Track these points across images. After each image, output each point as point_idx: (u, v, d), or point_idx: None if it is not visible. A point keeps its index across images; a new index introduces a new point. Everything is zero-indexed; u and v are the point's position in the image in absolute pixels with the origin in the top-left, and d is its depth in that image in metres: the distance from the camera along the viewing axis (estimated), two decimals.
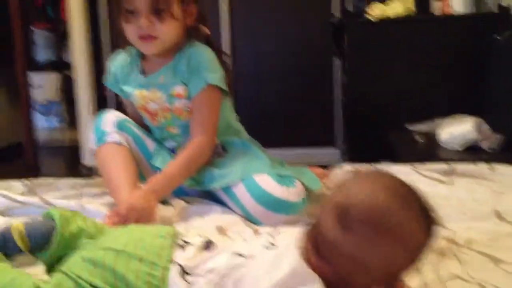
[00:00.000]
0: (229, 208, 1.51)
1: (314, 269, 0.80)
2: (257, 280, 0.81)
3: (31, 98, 4.21)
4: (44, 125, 4.91)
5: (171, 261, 0.88)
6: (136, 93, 1.59)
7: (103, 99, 3.66)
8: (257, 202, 1.42)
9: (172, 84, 1.54)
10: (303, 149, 3.51)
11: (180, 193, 1.56)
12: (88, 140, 1.64)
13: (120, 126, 1.58)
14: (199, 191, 1.59)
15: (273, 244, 0.88)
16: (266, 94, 3.61)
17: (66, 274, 0.89)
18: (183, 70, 1.53)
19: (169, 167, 1.49)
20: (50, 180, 1.77)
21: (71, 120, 4.79)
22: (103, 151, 1.55)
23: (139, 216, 1.30)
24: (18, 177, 1.75)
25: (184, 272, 0.87)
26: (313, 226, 0.84)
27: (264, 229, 1.31)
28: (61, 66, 4.77)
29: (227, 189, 1.50)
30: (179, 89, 1.54)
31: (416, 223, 0.79)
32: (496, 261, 1.09)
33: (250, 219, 1.44)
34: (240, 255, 0.87)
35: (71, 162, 3.71)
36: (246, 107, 3.48)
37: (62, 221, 0.99)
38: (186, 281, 0.86)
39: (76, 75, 3.63)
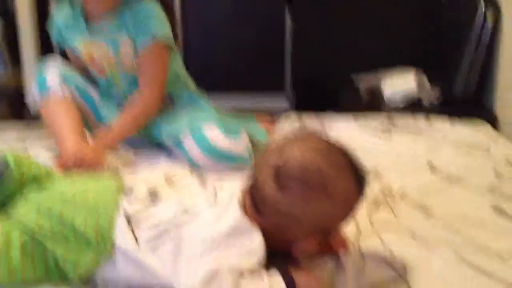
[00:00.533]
0: (177, 157, 1.53)
1: (253, 223, 0.85)
2: (199, 237, 0.84)
3: None
4: None
5: (117, 210, 0.91)
6: (82, 45, 1.56)
7: (48, 44, 3.52)
8: (204, 154, 1.45)
9: (118, 37, 1.52)
10: (253, 95, 3.53)
11: (129, 143, 1.57)
12: (31, 90, 1.59)
13: (64, 78, 1.55)
14: (148, 142, 1.61)
15: (215, 201, 0.91)
16: (217, 40, 3.57)
17: (16, 222, 0.90)
18: (129, 23, 1.50)
19: (116, 122, 1.51)
20: None
21: (14, 65, 4.62)
22: (47, 104, 1.54)
23: (86, 167, 1.32)
24: None
25: (129, 223, 0.89)
26: (251, 184, 0.88)
27: (209, 180, 1.36)
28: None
29: (175, 141, 1.52)
30: (125, 43, 1.52)
31: (345, 180, 0.84)
32: (426, 212, 1.16)
33: (196, 167, 1.47)
34: (186, 211, 0.90)
35: (16, 107, 3.61)
36: (197, 52, 3.45)
37: (17, 162, 0.98)
38: (132, 232, 0.88)
39: (19, 21, 3.47)
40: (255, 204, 0.86)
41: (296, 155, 0.83)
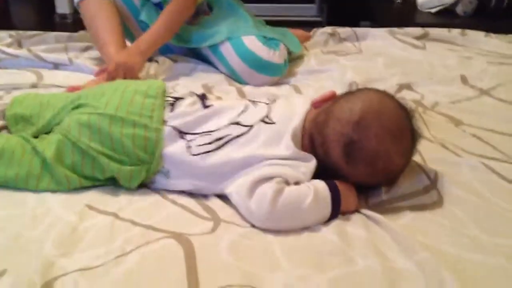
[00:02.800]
0: (214, 67, 1.58)
1: (305, 150, 0.91)
2: (253, 150, 0.90)
3: None
4: None
5: (162, 121, 0.94)
6: None
7: None
8: (242, 61, 1.49)
9: None
10: (283, 5, 3.48)
11: (166, 50, 1.61)
12: None
13: None
14: (185, 49, 1.65)
15: (269, 119, 0.95)
16: None
17: (66, 137, 0.94)
18: None
19: (154, 25, 1.50)
20: (34, 32, 1.78)
21: None
22: (87, 5, 1.55)
23: (126, 73, 1.38)
24: None
25: (180, 132, 0.94)
26: (316, 131, 0.92)
27: (252, 94, 1.40)
28: None
29: (214, 48, 1.55)
30: None
31: (406, 163, 0.91)
32: (456, 122, 1.22)
33: (234, 78, 1.52)
34: (238, 123, 0.95)
35: (45, 11, 3.60)
36: None
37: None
38: (183, 138, 0.93)
39: None
40: (315, 149, 0.91)
41: (371, 137, 0.86)
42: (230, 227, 0.84)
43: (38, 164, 0.93)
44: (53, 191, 0.93)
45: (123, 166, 0.92)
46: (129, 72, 1.38)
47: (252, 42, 1.50)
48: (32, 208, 0.88)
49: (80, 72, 1.54)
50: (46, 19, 3.37)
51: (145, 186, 0.95)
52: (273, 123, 0.94)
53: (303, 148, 0.92)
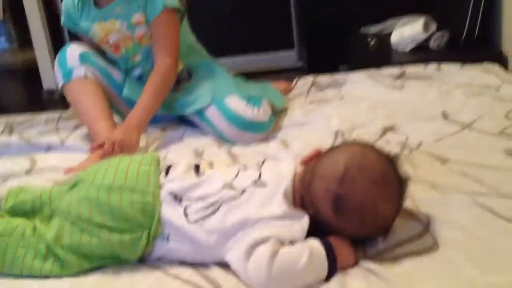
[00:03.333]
0: (201, 130, 1.62)
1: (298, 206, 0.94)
2: (247, 213, 0.92)
3: None
4: None
5: (159, 186, 0.97)
6: (95, 27, 1.62)
7: (55, 17, 3.54)
8: (229, 123, 1.53)
9: (130, 12, 1.57)
10: (262, 54, 3.56)
11: (153, 120, 1.63)
12: (54, 75, 1.68)
13: (84, 59, 1.62)
14: (172, 117, 1.69)
15: (261, 182, 0.97)
16: (220, 2, 3.58)
17: (65, 218, 0.97)
18: None
19: (142, 98, 1.53)
20: (25, 117, 1.83)
21: (21, 40, 4.66)
22: (72, 87, 1.61)
23: (123, 149, 1.39)
24: None
25: (175, 197, 0.96)
26: (304, 188, 0.95)
27: (238, 154, 1.44)
28: None
29: (199, 113, 1.60)
30: (138, 16, 1.58)
31: (394, 211, 0.94)
32: (442, 160, 1.25)
33: (222, 139, 1.55)
34: (231, 187, 0.97)
35: (32, 87, 3.65)
36: (203, 15, 3.46)
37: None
38: (180, 205, 0.95)
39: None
40: (304, 205, 0.94)
41: (357, 190, 0.90)
42: None
43: (43, 247, 0.96)
44: (56, 277, 0.94)
45: (124, 235, 0.94)
46: (126, 148, 1.40)
47: (236, 103, 1.54)
48: None
49: (73, 152, 1.56)
50: (34, 96, 3.42)
51: (144, 262, 0.96)
52: (265, 186, 0.97)
53: (295, 207, 0.94)
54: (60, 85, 1.64)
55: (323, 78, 1.93)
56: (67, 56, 1.63)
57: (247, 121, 1.53)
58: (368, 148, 0.98)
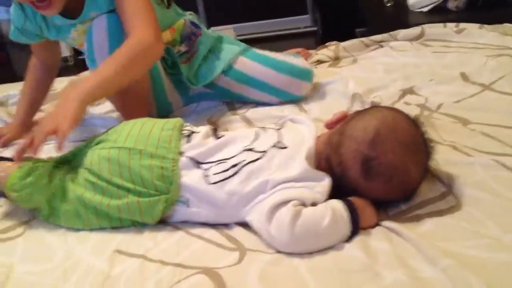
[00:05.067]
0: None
1: (321, 169, 0.93)
2: (268, 175, 0.92)
3: None
4: (5, 16, 4.75)
5: (179, 152, 0.98)
6: (73, 33, 1.38)
7: None
8: (278, 71, 1.44)
9: (104, 10, 1.31)
10: (276, 19, 3.52)
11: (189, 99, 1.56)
12: None
13: None
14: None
15: (281, 144, 0.97)
16: None
17: (87, 174, 0.99)
18: None
19: (104, 65, 1.17)
20: None
21: None
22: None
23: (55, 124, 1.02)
24: None
25: (196, 162, 0.97)
26: (331, 150, 0.94)
27: (257, 119, 1.41)
28: None
29: (227, 72, 1.48)
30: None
31: (422, 177, 0.93)
32: (463, 121, 1.23)
33: (267, 93, 1.47)
34: (251, 149, 0.97)
35: None
36: None
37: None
38: (200, 168, 0.96)
39: None
40: (331, 168, 0.93)
41: (388, 152, 0.89)
42: (256, 256, 0.86)
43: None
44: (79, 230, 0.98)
45: (142, 198, 0.95)
46: (60, 123, 1.01)
47: (270, 53, 1.48)
48: (62, 261, 0.91)
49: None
50: None
51: (166, 223, 0.98)
52: (286, 147, 0.96)
53: (320, 170, 0.94)
54: None
55: (341, 47, 1.89)
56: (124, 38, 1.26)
57: (298, 67, 1.45)
58: (398, 112, 0.97)
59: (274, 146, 0.97)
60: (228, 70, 1.49)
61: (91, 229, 0.99)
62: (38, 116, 1.58)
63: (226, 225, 0.96)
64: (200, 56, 1.50)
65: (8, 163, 1.07)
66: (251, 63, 1.46)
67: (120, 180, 0.96)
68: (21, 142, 1.02)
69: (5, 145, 1.47)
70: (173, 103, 1.55)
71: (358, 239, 0.86)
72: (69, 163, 1.08)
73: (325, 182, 0.92)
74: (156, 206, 0.95)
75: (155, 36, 1.21)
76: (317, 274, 0.79)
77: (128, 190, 0.96)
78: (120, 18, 1.25)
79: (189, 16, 1.54)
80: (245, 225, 0.93)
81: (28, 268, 0.90)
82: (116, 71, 1.14)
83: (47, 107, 1.69)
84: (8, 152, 1.37)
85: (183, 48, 1.49)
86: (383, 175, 0.89)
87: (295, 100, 1.49)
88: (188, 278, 0.82)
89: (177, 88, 1.55)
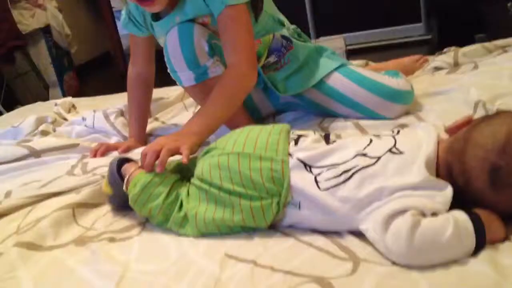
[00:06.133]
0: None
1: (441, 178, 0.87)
2: (383, 181, 0.87)
3: (111, 7, 4.33)
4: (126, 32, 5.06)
5: (287, 154, 0.96)
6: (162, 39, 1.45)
7: None
8: (368, 92, 1.40)
9: (193, 16, 1.37)
10: (388, 27, 3.44)
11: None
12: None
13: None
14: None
15: (398, 149, 0.92)
16: None
17: (200, 183, 0.99)
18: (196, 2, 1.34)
19: (208, 103, 1.26)
20: None
21: None
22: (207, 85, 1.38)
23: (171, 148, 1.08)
24: (114, 85, 1.83)
25: (306, 165, 0.94)
26: (453, 158, 0.87)
27: (372, 126, 1.36)
28: None
29: (318, 85, 1.46)
30: (204, 18, 1.37)
31: None
32: None
33: (359, 113, 1.43)
34: (364, 155, 0.93)
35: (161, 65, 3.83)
36: None
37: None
38: (311, 172, 0.93)
39: None
40: (453, 179, 0.86)
41: None
42: (370, 267, 0.81)
43: (180, 216, 1.01)
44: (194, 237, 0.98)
45: (254, 202, 0.94)
46: (181, 144, 1.09)
47: (368, 72, 1.44)
48: (176, 262, 0.92)
49: None
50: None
51: (276, 229, 0.96)
52: (402, 152, 0.91)
53: (439, 178, 0.87)
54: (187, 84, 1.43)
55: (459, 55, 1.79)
56: (195, 45, 1.35)
57: (390, 89, 1.40)
58: None
59: (389, 151, 0.92)
60: (318, 84, 1.46)
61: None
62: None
63: (338, 233, 0.92)
64: (291, 67, 1.48)
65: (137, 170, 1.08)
66: (344, 80, 1.43)
67: (230, 185, 0.96)
68: (148, 153, 1.06)
69: (125, 151, 1.53)
70: (261, 109, 1.56)
71: (485, 254, 0.79)
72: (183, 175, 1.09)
73: (447, 192, 0.85)
74: (268, 209, 0.93)
75: (252, 67, 1.32)
76: None
77: (240, 195, 0.95)
78: (191, 27, 1.35)
79: (285, 31, 1.51)
80: (358, 233, 0.89)
81: (142, 267, 0.92)
82: (223, 107, 1.26)
83: (160, 116, 1.76)
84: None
85: (272, 59, 1.48)
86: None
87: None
88: (299, 286, 0.79)
89: (265, 93, 1.55)
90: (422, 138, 0.94)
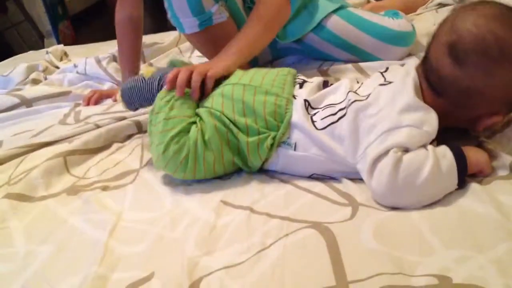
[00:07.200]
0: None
1: (428, 104, 0.83)
2: (378, 112, 0.84)
3: None
4: None
5: (292, 94, 0.95)
6: None
7: None
8: (368, 34, 1.35)
9: None
10: None
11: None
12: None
13: None
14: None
15: (387, 81, 0.90)
16: None
17: (209, 111, 0.96)
18: None
19: (247, 26, 1.20)
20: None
21: None
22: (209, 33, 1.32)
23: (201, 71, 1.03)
24: (110, 34, 1.73)
25: (308, 105, 0.93)
26: (424, 66, 0.87)
27: (370, 67, 1.32)
28: None
29: (317, 30, 1.40)
30: None
31: None
32: None
33: (356, 56, 1.38)
34: (356, 92, 0.91)
35: (156, 11, 3.74)
36: None
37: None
38: (308, 112, 0.92)
39: None
40: (433, 87, 0.85)
41: (469, 26, 0.79)
42: (369, 211, 0.79)
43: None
44: (189, 184, 0.96)
45: (250, 137, 0.93)
46: (211, 67, 1.05)
47: (368, 14, 1.38)
48: (170, 210, 0.90)
49: None
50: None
51: (273, 176, 0.94)
52: (391, 82, 0.89)
53: (422, 95, 0.86)
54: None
55: None
56: None
57: (391, 31, 1.34)
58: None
59: (379, 85, 0.90)
60: (317, 28, 1.40)
61: (199, 181, 0.97)
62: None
63: (336, 179, 0.90)
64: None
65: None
66: (343, 23, 1.37)
67: (232, 113, 0.94)
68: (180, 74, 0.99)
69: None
70: (258, 55, 1.47)
71: (484, 192, 0.77)
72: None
73: (433, 116, 0.82)
74: (263, 144, 0.92)
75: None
76: (439, 231, 0.72)
77: (239, 127, 0.94)
78: None
79: None
80: (356, 179, 0.87)
81: (136, 216, 0.90)
82: (264, 30, 1.20)
83: (155, 61, 1.71)
84: None
85: None
86: (474, 52, 0.79)
87: None
88: (296, 231, 0.77)
89: None
90: (408, 67, 0.92)
